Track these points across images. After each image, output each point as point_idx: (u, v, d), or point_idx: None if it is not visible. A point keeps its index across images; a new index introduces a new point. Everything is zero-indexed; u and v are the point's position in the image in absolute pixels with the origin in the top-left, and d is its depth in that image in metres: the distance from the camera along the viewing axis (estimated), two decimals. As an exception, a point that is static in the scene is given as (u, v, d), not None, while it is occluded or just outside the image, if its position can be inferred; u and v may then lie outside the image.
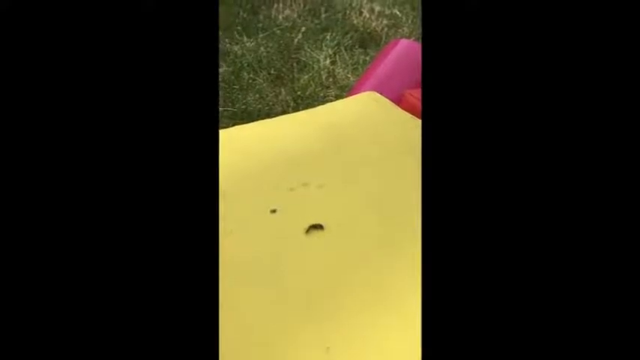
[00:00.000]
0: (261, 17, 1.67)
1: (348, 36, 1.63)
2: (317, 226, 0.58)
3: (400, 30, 1.70)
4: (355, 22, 1.70)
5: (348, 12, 1.74)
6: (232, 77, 1.43)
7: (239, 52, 1.51)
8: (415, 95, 0.84)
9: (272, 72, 1.46)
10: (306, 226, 0.58)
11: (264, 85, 1.42)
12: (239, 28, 1.61)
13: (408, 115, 0.79)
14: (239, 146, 0.70)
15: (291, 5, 1.74)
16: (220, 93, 1.40)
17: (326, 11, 1.73)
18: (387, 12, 1.76)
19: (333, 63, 1.52)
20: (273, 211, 0.60)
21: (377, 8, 1.77)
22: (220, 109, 1.35)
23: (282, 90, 1.41)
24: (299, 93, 1.40)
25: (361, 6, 1.77)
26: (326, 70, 1.49)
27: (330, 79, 1.47)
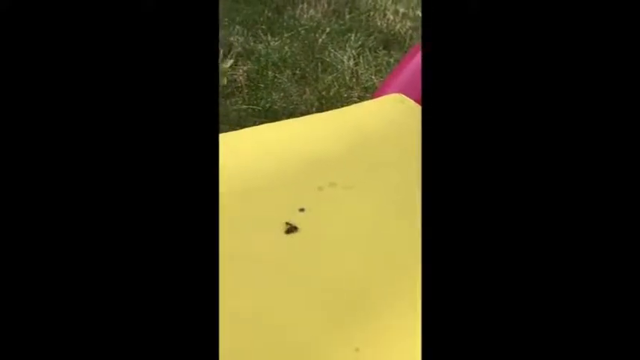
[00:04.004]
0: (285, 17, 1.68)
1: (372, 37, 1.63)
2: (292, 229, 0.59)
3: (424, 32, 1.70)
4: (379, 23, 1.71)
5: (372, 13, 1.75)
6: (257, 76, 1.45)
7: (263, 51, 1.53)
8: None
9: (296, 72, 1.48)
10: (337, 226, 0.59)
11: (289, 84, 1.44)
12: (264, 27, 1.62)
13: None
14: (267, 144, 0.71)
15: (315, 6, 1.75)
16: (245, 91, 1.41)
17: (350, 12, 1.74)
18: (412, 14, 1.77)
19: (356, 64, 1.53)
20: (302, 210, 0.61)
21: (401, 10, 1.77)
22: (245, 106, 1.37)
23: (307, 89, 1.42)
24: (323, 93, 1.41)
25: (385, 8, 1.78)
26: (349, 70, 1.50)
27: (354, 80, 1.47)
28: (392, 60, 1.54)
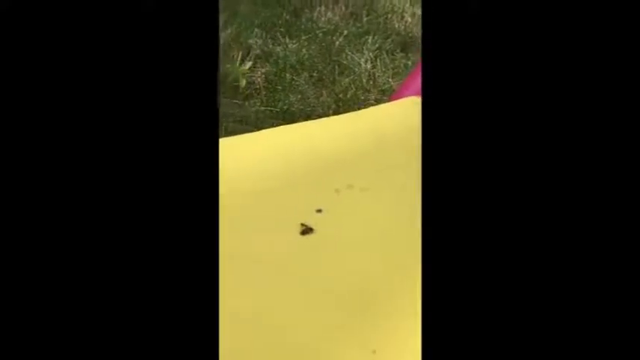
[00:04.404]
0: (303, 20, 1.69)
1: (390, 40, 1.64)
2: (308, 230, 0.59)
3: (441, 35, 1.70)
4: (397, 26, 1.71)
5: (389, 16, 1.75)
6: (275, 78, 1.46)
7: (281, 54, 1.54)
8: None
9: (314, 74, 1.49)
10: (353, 228, 0.60)
11: (306, 86, 1.45)
12: (282, 29, 1.63)
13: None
14: (284, 146, 0.72)
15: (333, 8, 1.76)
16: (263, 93, 1.43)
17: (367, 15, 1.75)
18: (429, 17, 1.77)
19: (373, 67, 1.53)
20: (319, 211, 0.62)
21: (419, 12, 1.77)
22: (262, 108, 1.38)
23: (324, 92, 1.44)
24: (340, 95, 1.42)
25: (403, 10, 1.78)
26: (367, 73, 1.51)
27: (371, 83, 1.48)
28: (409, 63, 1.55)
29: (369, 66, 1.53)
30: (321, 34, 1.63)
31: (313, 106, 1.39)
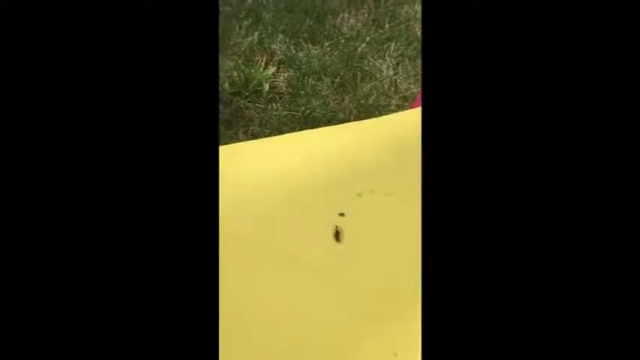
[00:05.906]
0: (326, 26, 1.71)
1: (412, 47, 1.65)
2: (338, 233, 0.60)
3: (463, 42, 1.70)
4: (419, 33, 1.72)
5: (412, 23, 1.76)
6: (298, 83, 1.48)
7: (304, 59, 1.56)
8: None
9: (336, 80, 1.50)
10: (376, 231, 0.61)
11: (328, 92, 1.46)
12: (305, 35, 1.65)
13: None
14: (306, 150, 0.73)
15: (356, 15, 1.77)
16: (286, 97, 1.45)
17: (390, 21, 1.76)
18: (451, 24, 1.77)
19: (395, 73, 1.55)
20: (342, 214, 0.63)
21: (441, 20, 1.78)
22: (285, 112, 1.40)
23: (346, 97, 1.45)
24: (362, 101, 1.44)
25: (425, 17, 1.79)
26: (388, 79, 1.52)
27: (393, 89, 1.49)
28: (431, 70, 1.55)
29: (391, 72, 1.54)
30: (343, 41, 1.65)
31: (335, 112, 1.41)
